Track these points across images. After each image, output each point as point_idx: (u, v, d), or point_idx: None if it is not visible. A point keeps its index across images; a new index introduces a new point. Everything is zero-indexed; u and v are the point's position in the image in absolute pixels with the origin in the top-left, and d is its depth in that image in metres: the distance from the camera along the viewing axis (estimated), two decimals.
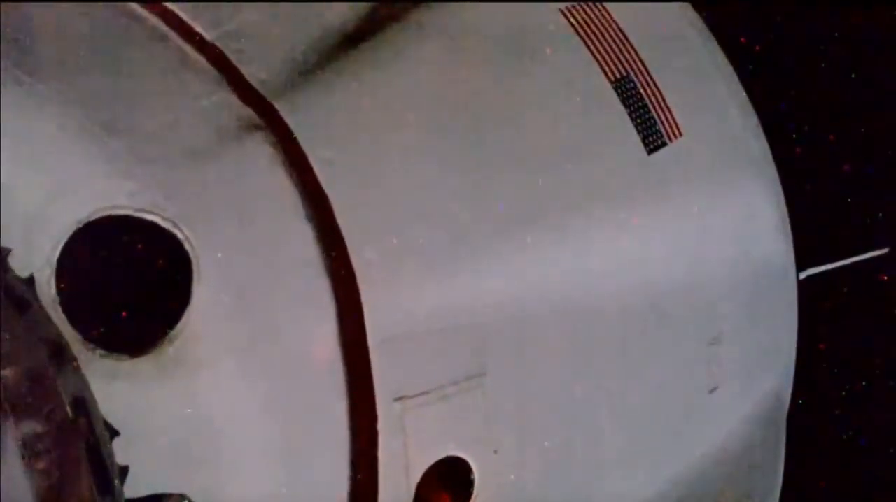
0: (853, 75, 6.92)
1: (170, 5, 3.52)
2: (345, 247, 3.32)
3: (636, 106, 4.22)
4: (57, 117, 3.11)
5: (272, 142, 3.37)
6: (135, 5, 3.50)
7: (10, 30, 3.20)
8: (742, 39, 6.02)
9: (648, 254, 4.10)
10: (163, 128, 3.27)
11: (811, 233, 5.12)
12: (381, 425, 3.30)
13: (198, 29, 3.51)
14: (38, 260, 2.97)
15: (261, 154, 3.34)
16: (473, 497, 3.53)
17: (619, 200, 4.05)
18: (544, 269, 3.76)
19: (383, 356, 3.31)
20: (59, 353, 2.76)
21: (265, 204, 3.31)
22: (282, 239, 3.30)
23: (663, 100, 4.31)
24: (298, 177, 3.35)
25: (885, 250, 6.09)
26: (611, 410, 3.94)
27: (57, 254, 2.99)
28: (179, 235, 3.11)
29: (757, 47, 6.47)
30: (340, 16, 3.77)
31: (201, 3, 3.57)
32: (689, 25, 4.77)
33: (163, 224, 3.10)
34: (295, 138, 3.39)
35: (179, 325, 3.08)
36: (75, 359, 2.79)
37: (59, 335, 2.81)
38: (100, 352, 3.00)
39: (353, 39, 3.73)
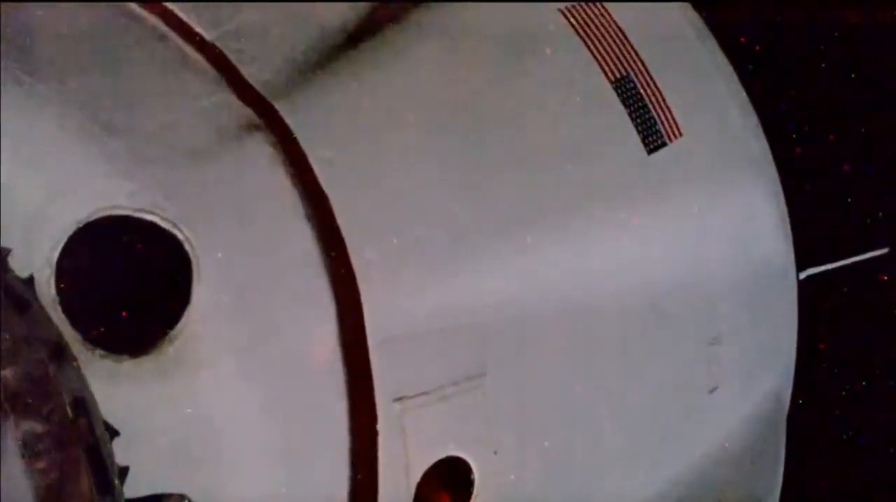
0: (853, 75, 6.92)
1: (170, 5, 3.52)
2: (345, 247, 3.32)
3: (636, 106, 4.22)
4: (57, 117, 3.11)
5: (272, 143, 3.37)
6: (134, 5, 3.50)
7: (10, 30, 3.20)
8: (742, 39, 6.02)
9: (648, 254, 4.10)
10: (163, 128, 3.27)
11: (811, 233, 5.12)
12: (381, 425, 3.30)
13: (198, 29, 3.51)
14: (38, 260, 2.97)
15: (261, 154, 3.34)
16: (473, 497, 3.53)
17: (619, 200, 4.05)
18: (544, 269, 3.75)
19: (383, 356, 3.31)
20: (59, 353, 2.76)
21: (265, 204, 3.31)
22: (282, 239, 3.29)
23: (663, 100, 4.30)
24: (298, 177, 3.35)
25: (885, 250, 6.09)
26: (611, 410, 3.94)
27: (57, 254, 2.99)
28: (179, 235, 3.11)
29: (757, 47, 6.47)
30: (340, 16, 3.77)
31: (201, 3, 3.57)
32: (689, 25, 4.77)
33: (163, 224, 3.10)
34: (295, 138, 3.39)
35: (179, 325, 3.08)
36: (75, 359, 2.79)
37: (59, 335, 2.81)
38: (100, 352, 3.00)
39: (352, 39, 3.73)
